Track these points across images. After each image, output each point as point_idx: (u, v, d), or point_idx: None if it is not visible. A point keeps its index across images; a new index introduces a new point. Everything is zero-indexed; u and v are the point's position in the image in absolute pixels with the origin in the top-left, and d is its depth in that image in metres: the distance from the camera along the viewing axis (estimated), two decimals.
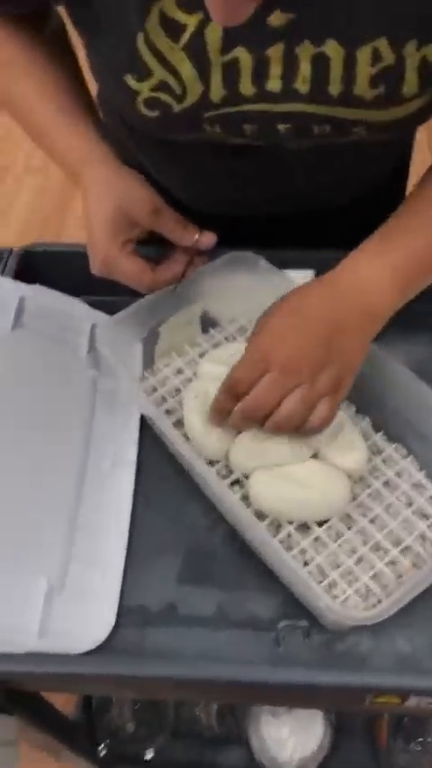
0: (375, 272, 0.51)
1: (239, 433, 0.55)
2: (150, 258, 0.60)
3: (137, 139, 0.70)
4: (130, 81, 0.49)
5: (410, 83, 0.47)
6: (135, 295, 0.61)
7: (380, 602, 0.49)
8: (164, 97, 0.49)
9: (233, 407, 0.50)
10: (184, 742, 1.00)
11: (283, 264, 0.65)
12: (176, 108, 0.50)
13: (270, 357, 0.48)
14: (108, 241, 0.55)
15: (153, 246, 0.62)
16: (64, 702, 0.93)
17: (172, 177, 0.71)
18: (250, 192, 0.68)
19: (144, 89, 0.49)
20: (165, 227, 0.57)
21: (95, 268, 0.57)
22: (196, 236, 0.57)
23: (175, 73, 0.48)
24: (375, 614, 0.43)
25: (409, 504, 0.55)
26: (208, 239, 0.58)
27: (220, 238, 0.66)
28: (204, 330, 0.69)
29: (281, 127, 0.52)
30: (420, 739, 0.94)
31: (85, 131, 0.59)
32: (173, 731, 1.00)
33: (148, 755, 1.01)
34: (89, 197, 0.56)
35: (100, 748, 1.00)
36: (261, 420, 0.49)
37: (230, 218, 0.72)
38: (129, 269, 0.56)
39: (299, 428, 0.49)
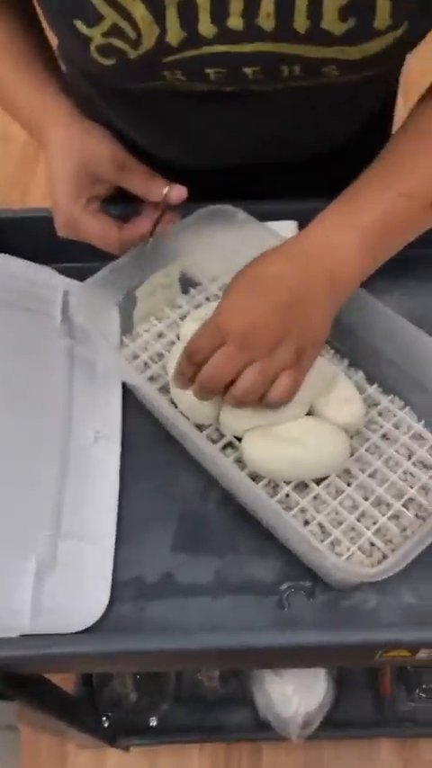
0: (342, 236, 0.48)
1: None
2: (119, 217, 0.56)
3: (101, 92, 0.65)
4: (81, 27, 0.45)
5: (383, 14, 0.43)
6: (108, 259, 0.57)
7: (385, 557, 0.48)
8: (118, 43, 0.46)
9: (194, 375, 0.47)
10: (188, 706, 1.00)
11: (263, 217, 0.62)
12: (132, 54, 0.47)
13: (227, 328, 0.45)
14: (71, 200, 0.51)
15: (123, 205, 0.58)
16: (63, 679, 0.92)
17: (140, 130, 0.67)
18: (225, 143, 0.64)
19: (96, 35, 0.46)
20: (130, 181, 0.53)
21: (60, 229, 0.54)
22: (165, 190, 0.53)
23: (127, 16, 0.44)
24: (383, 570, 0.41)
25: (410, 456, 0.53)
26: (178, 192, 0.54)
27: (197, 193, 0.62)
28: (185, 291, 0.65)
29: (247, 70, 0.48)
30: (424, 686, 0.95)
31: (46, 89, 0.55)
32: (175, 697, 1.00)
33: (153, 723, 1.01)
34: (51, 155, 0.52)
35: (103, 720, 1.00)
36: (217, 393, 0.46)
37: (206, 170, 0.68)
38: (93, 228, 0.52)
39: (259, 402, 0.46)
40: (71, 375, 0.62)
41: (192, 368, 0.47)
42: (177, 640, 0.45)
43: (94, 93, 0.68)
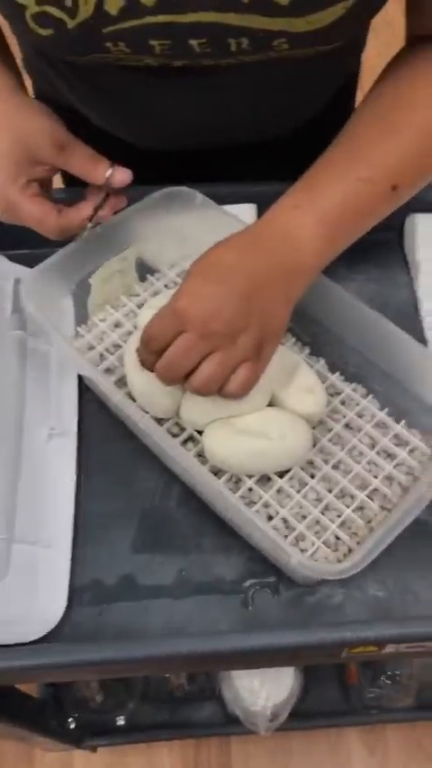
0: (299, 223, 0.46)
1: None
2: (63, 201, 0.53)
3: (55, 69, 0.62)
4: None
5: None
6: (63, 245, 0.54)
7: (350, 550, 0.47)
8: (54, 11, 0.44)
9: (154, 362, 0.45)
10: (155, 704, 0.98)
11: (222, 200, 0.60)
12: (70, 24, 0.44)
13: (186, 316, 0.43)
14: (7, 181, 0.48)
15: (70, 189, 0.56)
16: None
17: (95, 108, 0.64)
18: (181, 122, 0.62)
19: (31, 3, 0.44)
20: (71, 163, 0.50)
21: None
22: (108, 173, 0.50)
23: None
24: (349, 567, 0.40)
25: (373, 446, 0.52)
26: (121, 176, 0.50)
27: (155, 176, 0.60)
28: (142, 278, 0.63)
29: (193, 42, 0.46)
30: (389, 672, 0.95)
31: None
32: (142, 695, 0.98)
33: (120, 722, 0.99)
34: None
35: (69, 721, 0.97)
36: (179, 381, 0.45)
37: (163, 152, 0.66)
38: (31, 212, 0.49)
39: (218, 392, 0.45)
40: (23, 369, 0.59)
41: (150, 355, 0.45)
42: (137, 648, 0.43)
43: (48, 69, 0.64)
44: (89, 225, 0.51)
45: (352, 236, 0.50)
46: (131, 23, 0.44)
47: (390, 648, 0.45)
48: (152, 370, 0.47)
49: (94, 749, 0.99)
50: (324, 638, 0.42)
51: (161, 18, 0.44)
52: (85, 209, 0.51)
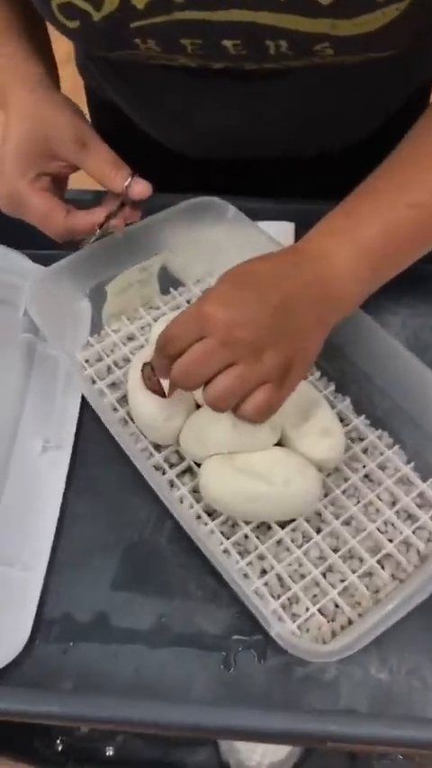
0: (339, 248, 0.43)
1: (191, 413, 0.46)
2: (74, 202, 0.49)
3: (99, 68, 0.60)
4: None
5: None
6: None
7: (350, 623, 0.40)
8: (78, 2, 0.42)
9: (168, 369, 0.40)
10: (146, 740, 0.92)
11: (255, 217, 0.55)
12: (96, 16, 0.42)
13: (210, 320, 0.38)
14: (17, 171, 0.45)
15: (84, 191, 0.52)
16: None
17: (137, 109, 0.62)
18: (222, 129, 0.58)
19: None
20: (90, 163, 0.46)
21: (1, 202, 0.48)
22: (128, 182, 0.46)
23: None
24: (339, 650, 0.34)
25: (393, 503, 0.46)
26: (141, 187, 0.47)
27: (192, 185, 0.56)
28: (164, 291, 0.59)
29: (227, 43, 0.43)
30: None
31: (14, 51, 0.50)
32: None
33: (109, 752, 0.94)
34: (8, 119, 0.46)
35: (57, 743, 0.93)
36: (192, 388, 0.40)
37: (204, 160, 0.62)
38: (37, 206, 0.45)
39: (232, 410, 0.40)
40: (27, 375, 0.56)
41: (165, 360, 0.41)
42: (99, 707, 0.38)
43: (91, 66, 0.62)
44: (98, 231, 0.47)
45: (397, 266, 0.45)
46: (160, 19, 0.41)
47: (386, 748, 0.38)
48: (165, 377, 0.42)
49: None
50: (303, 728, 0.35)
51: (190, 15, 0.41)
52: (96, 214, 0.47)
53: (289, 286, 0.41)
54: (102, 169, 0.46)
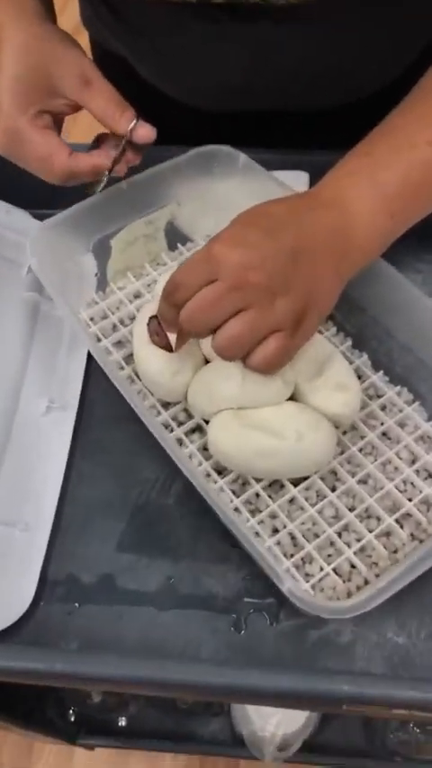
0: (356, 194, 0.40)
1: (199, 368, 0.44)
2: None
3: (100, 16, 0.57)
4: None
5: None
6: None
7: (366, 583, 0.38)
8: None
9: (175, 318, 0.38)
10: (159, 711, 0.92)
11: (268, 168, 0.52)
12: None
13: (221, 260, 0.36)
14: (16, 107, 0.42)
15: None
16: None
17: (143, 60, 0.59)
18: (233, 78, 0.55)
19: None
20: (96, 102, 0.43)
21: None
22: (132, 124, 0.44)
23: None
24: (356, 605, 0.32)
25: (413, 461, 0.43)
26: (146, 131, 0.44)
27: (201, 138, 0.53)
28: (172, 246, 0.56)
29: None
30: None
31: None
32: (145, 699, 0.92)
33: (122, 722, 0.94)
34: (3, 55, 0.43)
35: (69, 713, 0.93)
36: (202, 335, 0.38)
37: (214, 113, 0.59)
38: (38, 145, 0.42)
39: (242, 360, 0.38)
40: (31, 334, 0.54)
41: (172, 309, 0.39)
42: (104, 664, 0.37)
43: (95, 16, 0.60)
44: (106, 176, 0.45)
45: (417, 212, 0.43)
46: None
47: (400, 711, 0.36)
48: (172, 329, 0.40)
49: (91, 748, 0.95)
50: (315, 688, 0.34)
51: None
52: (98, 157, 0.45)
53: (305, 231, 0.38)
54: (106, 108, 0.43)
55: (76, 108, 0.44)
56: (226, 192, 0.53)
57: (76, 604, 0.43)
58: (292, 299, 0.37)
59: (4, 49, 0.43)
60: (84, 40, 0.65)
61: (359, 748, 0.90)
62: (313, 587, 0.39)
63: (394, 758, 0.88)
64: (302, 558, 0.40)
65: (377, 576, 0.39)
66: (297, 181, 0.55)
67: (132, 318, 0.52)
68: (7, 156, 0.44)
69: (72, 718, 0.93)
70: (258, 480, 0.42)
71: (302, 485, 0.42)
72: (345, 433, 0.44)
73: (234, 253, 0.36)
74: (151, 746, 0.94)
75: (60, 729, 0.89)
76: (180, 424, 0.46)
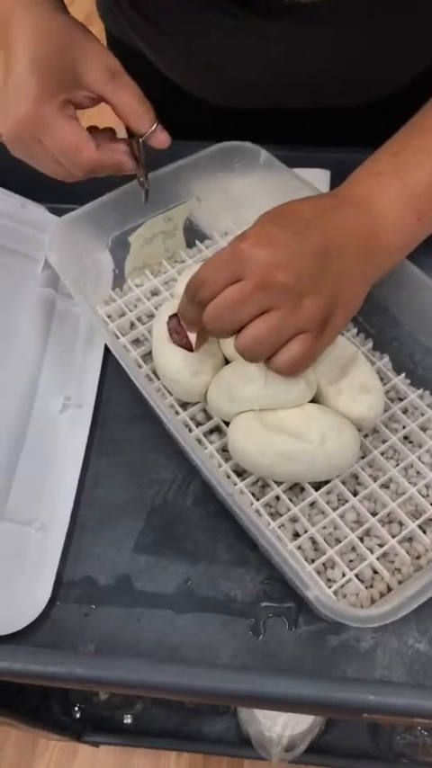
0: (384, 193, 0.40)
1: (219, 368, 0.43)
2: None
3: (123, 12, 0.56)
4: None
5: None
6: None
7: (389, 590, 0.38)
8: None
9: (198, 318, 0.37)
10: (165, 709, 0.92)
11: (289, 166, 0.52)
12: None
13: (247, 259, 0.35)
14: (45, 94, 0.39)
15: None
16: None
17: (162, 54, 0.58)
18: (255, 76, 0.54)
19: None
20: (120, 97, 0.42)
21: (14, 128, 0.40)
22: (153, 126, 0.43)
23: None
24: (379, 615, 0.31)
25: None
26: (164, 138, 0.43)
27: (222, 135, 0.52)
28: (190, 244, 0.56)
29: None
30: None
31: None
32: (153, 698, 0.92)
33: (127, 720, 0.93)
34: (18, 44, 0.40)
35: (75, 710, 0.93)
36: (225, 335, 0.37)
37: (237, 109, 0.58)
38: (66, 135, 0.40)
39: (265, 362, 0.37)
40: (46, 331, 0.53)
41: (195, 308, 0.38)
42: (120, 669, 0.36)
43: (116, 9, 0.59)
44: (145, 175, 0.44)
45: None
46: None
47: (423, 720, 0.36)
48: (193, 328, 0.40)
49: (96, 745, 0.94)
50: (339, 697, 0.33)
51: None
52: (119, 152, 0.43)
53: (333, 231, 0.37)
54: (130, 105, 0.42)
55: (95, 101, 0.43)
56: (246, 189, 0.53)
57: (93, 606, 0.42)
58: (319, 299, 0.36)
59: (18, 34, 0.40)
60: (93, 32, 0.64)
61: (366, 750, 0.89)
62: (335, 593, 0.38)
63: (401, 760, 0.88)
64: (324, 563, 0.39)
65: (400, 582, 0.38)
66: (318, 178, 0.55)
67: (150, 316, 0.51)
68: (16, 140, 0.41)
69: (78, 716, 0.93)
70: (279, 483, 0.42)
71: (324, 488, 0.42)
72: (366, 436, 0.44)
73: (261, 251, 0.35)
74: (157, 745, 0.94)
75: (66, 726, 0.89)
76: (198, 424, 0.45)
